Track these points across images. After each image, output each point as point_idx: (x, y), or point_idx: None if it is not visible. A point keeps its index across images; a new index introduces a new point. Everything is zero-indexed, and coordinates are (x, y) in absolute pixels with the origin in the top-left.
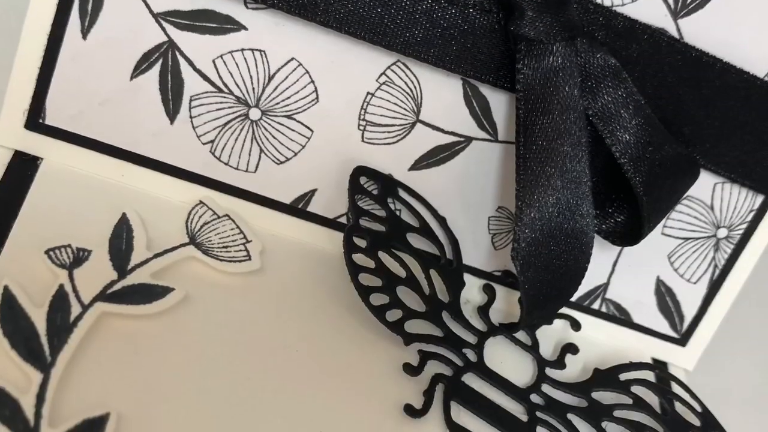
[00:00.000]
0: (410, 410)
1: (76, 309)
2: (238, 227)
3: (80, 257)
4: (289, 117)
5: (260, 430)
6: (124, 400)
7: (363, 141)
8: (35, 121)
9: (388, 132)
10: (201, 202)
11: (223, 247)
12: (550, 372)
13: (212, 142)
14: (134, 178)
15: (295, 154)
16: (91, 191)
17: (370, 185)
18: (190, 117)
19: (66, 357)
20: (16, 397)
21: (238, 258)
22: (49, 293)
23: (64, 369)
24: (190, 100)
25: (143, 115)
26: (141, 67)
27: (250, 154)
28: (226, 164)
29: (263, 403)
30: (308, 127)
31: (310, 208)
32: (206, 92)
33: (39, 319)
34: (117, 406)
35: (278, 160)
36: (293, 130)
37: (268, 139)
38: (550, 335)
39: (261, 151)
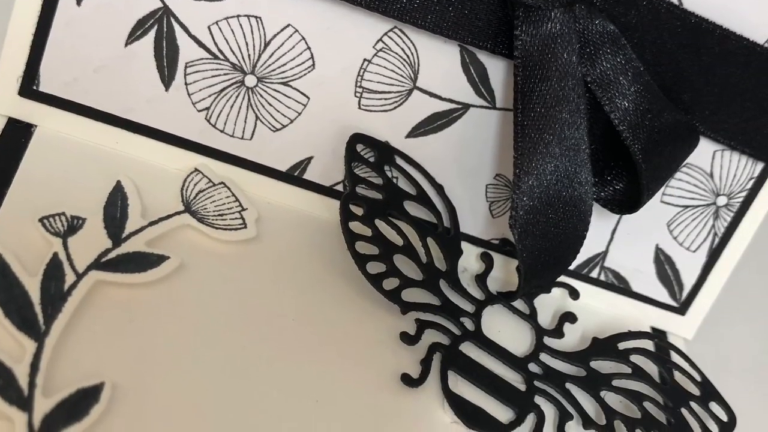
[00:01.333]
0: (407, 379)
1: (70, 277)
2: (233, 195)
3: (74, 225)
4: (285, 84)
5: (256, 399)
6: (118, 369)
7: (359, 108)
8: (29, 87)
9: (385, 99)
10: (196, 169)
11: (219, 215)
12: (549, 341)
13: (207, 109)
14: (129, 145)
15: (291, 122)
16: (86, 158)
17: (366, 153)
18: (185, 84)
19: (60, 326)
20: (9, 366)
21: (233, 226)
22: (43, 261)
23: (59, 338)
24: (185, 67)
25: (138, 82)
26: (136, 33)
27: (245, 122)
28: (221, 131)
29: (259, 372)
30: (304, 94)
31: (306, 176)
32: (201, 59)
33: (33, 287)
34: (112, 375)
35: (274, 127)
36: (289, 97)
37: (263, 107)
38: (549, 304)
39: (257, 118)
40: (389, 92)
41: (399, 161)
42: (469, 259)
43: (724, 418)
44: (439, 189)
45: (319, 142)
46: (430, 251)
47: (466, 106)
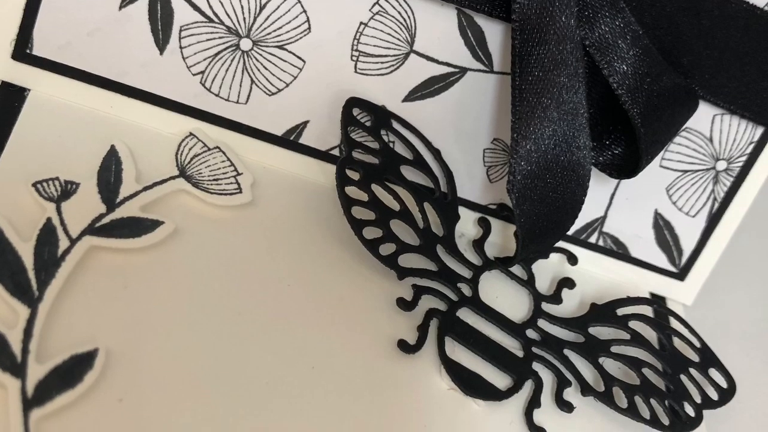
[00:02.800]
0: (404, 346)
1: (64, 243)
2: (228, 159)
3: (68, 190)
4: (280, 47)
5: (251, 365)
6: (112, 335)
7: (356, 72)
8: (22, 51)
9: (382, 63)
10: (191, 133)
11: (214, 179)
12: (546, 307)
13: (202, 72)
14: (123, 109)
15: (287, 86)
16: (80, 123)
17: (363, 117)
18: (180, 47)
19: (54, 292)
20: (2, 332)
21: (228, 191)
22: (36, 227)
23: (52, 304)
24: (180, 30)
25: (132, 46)
26: None
27: (241, 85)
28: (216, 95)
29: (254, 338)
30: (300, 58)
31: (302, 140)
32: (196, 22)
33: (26, 253)
34: (106, 341)
35: (270, 91)
36: (285, 61)
37: (259, 70)
38: (546, 269)
39: (252, 82)
40: (386, 56)
41: (396, 125)
42: (467, 225)
43: (723, 384)
44: (436, 153)
45: (315, 107)
46: (427, 216)
47: (463, 70)
